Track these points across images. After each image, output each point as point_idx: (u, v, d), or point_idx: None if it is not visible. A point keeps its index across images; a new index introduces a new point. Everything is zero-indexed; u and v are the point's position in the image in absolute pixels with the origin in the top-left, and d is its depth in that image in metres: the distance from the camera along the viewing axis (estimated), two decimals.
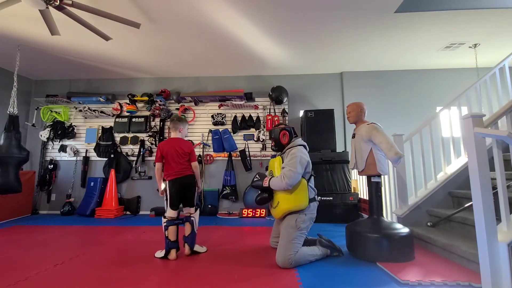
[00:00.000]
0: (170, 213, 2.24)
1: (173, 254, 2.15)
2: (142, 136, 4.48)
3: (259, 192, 2.18)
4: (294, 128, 2.33)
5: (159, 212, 4.04)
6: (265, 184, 2.07)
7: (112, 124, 4.51)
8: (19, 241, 2.69)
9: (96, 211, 3.95)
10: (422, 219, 2.61)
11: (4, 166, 2.99)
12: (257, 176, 2.21)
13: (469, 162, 1.61)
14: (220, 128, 4.43)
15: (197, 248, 2.29)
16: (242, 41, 3.39)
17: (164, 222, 2.20)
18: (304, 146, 2.18)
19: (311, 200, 2.07)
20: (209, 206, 4.07)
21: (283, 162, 2.11)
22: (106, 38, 2.78)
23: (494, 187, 1.54)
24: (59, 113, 4.48)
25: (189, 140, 4.44)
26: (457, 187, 2.65)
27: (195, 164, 2.36)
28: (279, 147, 2.26)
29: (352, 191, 3.60)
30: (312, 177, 2.17)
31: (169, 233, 2.17)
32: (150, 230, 3.11)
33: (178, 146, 2.31)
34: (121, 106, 4.51)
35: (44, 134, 4.41)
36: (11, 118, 3.16)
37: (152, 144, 4.42)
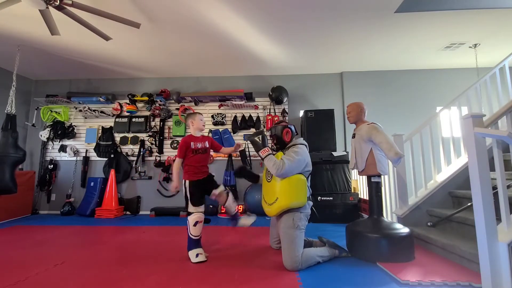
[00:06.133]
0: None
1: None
2: (142, 136, 4.48)
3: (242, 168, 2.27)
4: (295, 126, 2.31)
5: (159, 212, 4.04)
6: (263, 153, 2.01)
7: (112, 124, 4.51)
8: (19, 241, 2.69)
9: (96, 211, 3.95)
10: (422, 219, 2.61)
11: (0, 165, 2.96)
12: (258, 137, 2.07)
13: (469, 162, 1.61)
14: (220, 128, 4.43)
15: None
16: (242, 41, 3.39)
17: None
18: (306, 145, 2.17)
19: (307, 199, 2.05)
20: (210, 206, 4.06)
21: None
22: (106, 38, 2.78)
23: (494, 187, 1.54)
24: (59, 113, 4.48)
25: None
26: (457, 187, 2.65)
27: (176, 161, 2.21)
28: (281, 145, 2.21)
29: (352, 191, 3.60)
30: (309, 177, 2.15)
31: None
32: (150, 230, 3.11)
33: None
34: (121, 106, 4.50)
35: (44, 134, 4.41)
36: (8, 117, 3.16)
37: (152, 144, 4.42)
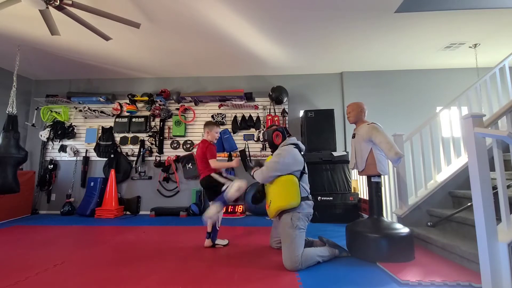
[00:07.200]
0: None
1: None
2: (142, 136, 4.48)
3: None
4: (286, 128, 2.37)
5: (159, 212, 4.04)
6: (252, 173, 2.21)
7: (112, 124, 4.51)
8: (19, 241, 2.69)
9: (96, 211, 3.95)
10: (422, 219, 2.61)
11: (2, 166, 2.99)
12: (245, 160, 2.27)
13: (469, 162, 1.61)
14: (220, 128, 4.43)
15: (218, 241, 2.46)
16: (242, 41, 3.39)
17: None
18: (296, 145, 2.19)
19: (303, 198, 2.06)
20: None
21: None
22: (106, 38, 2.78)
23: (494, 187, 1.54)
24: (59, 113, 4.48)
25: (188, 140, 4.45)
26: (457, 187, 2.65)
27: (211, 161, 2.44)
28: (273, 148, 2.31)
29: (352, 191, 3.60)
30: (305, 176, 2.17)
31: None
32: (150, 230, 3.11)
33: (198, 149, 2.57)
34: (121, 106, 4.50)
35: (44, 134, 4.41)
36: (9, 118, 3.17)
37: (152, 144, 4.42)
